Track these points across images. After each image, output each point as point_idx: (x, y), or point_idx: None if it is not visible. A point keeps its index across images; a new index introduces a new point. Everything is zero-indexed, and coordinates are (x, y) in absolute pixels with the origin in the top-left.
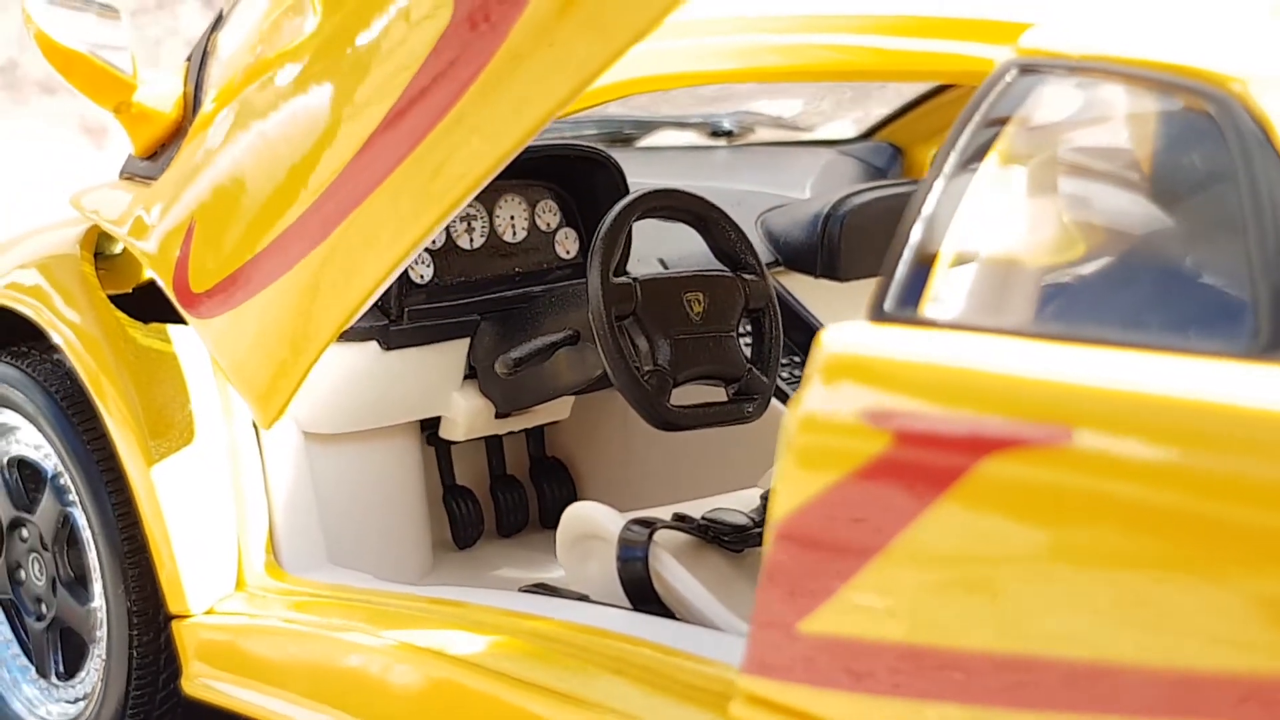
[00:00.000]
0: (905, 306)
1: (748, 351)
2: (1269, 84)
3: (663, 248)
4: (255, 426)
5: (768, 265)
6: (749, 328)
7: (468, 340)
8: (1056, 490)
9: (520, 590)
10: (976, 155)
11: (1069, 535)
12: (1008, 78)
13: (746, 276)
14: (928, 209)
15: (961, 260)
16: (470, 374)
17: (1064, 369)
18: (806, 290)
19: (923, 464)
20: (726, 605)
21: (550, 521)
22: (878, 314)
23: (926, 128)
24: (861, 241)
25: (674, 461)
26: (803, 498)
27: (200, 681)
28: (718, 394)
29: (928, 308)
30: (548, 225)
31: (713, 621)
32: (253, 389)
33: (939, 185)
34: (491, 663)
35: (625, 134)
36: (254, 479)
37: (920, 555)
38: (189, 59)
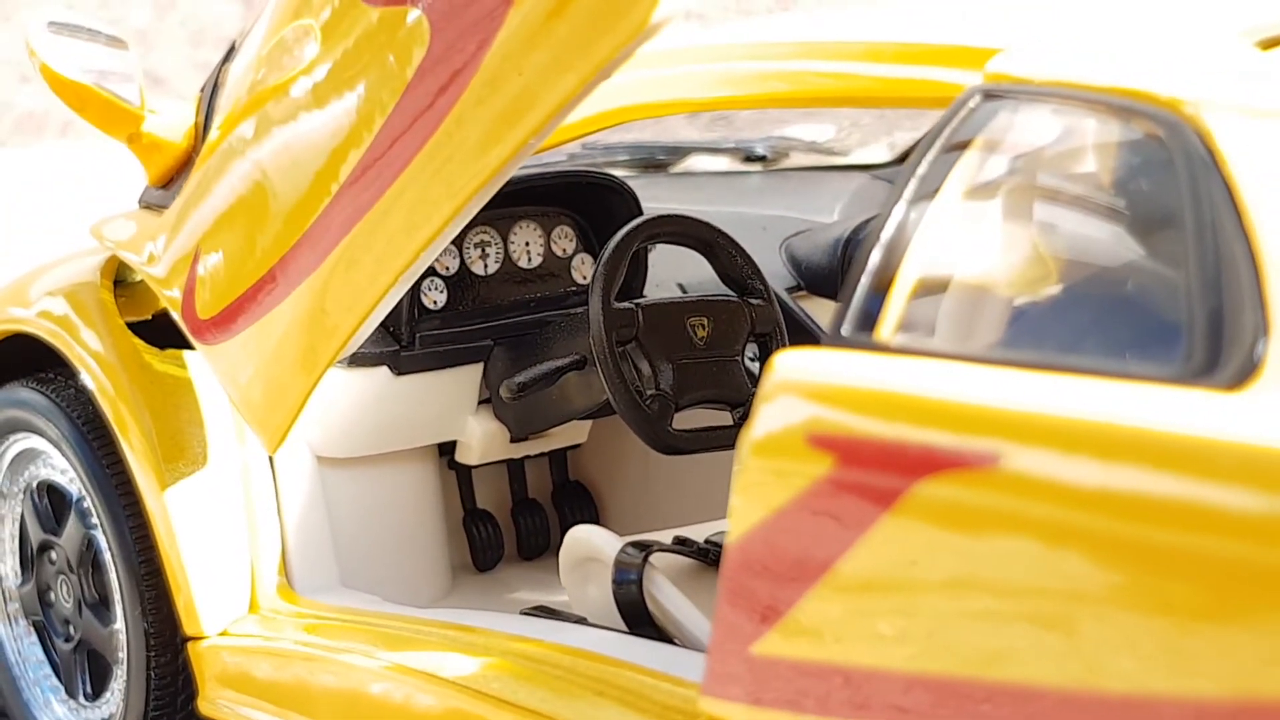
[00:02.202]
0: (861, 331)
1: (754, 375)
2: (1219, 107)
3: (682, 273)
4: None
5: (791, 289)
6: (756, 353)
7: (481, 365)
8: (988, 511)
9: (521, 613)
10: (937, 181)
11: (1003, 556)
12: (971, 103)
13: (753, 301)
14: (887, 234)
15: (918, 285)
16: (486, 399)
17: (1000, 393)
18: (826, 314)
19: (862, 486)
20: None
21: None
22: (834, 338)
23: None
24: None
25: (696, 485)
26: (754, 521)
27: (216, 703)
28: (724, 418)
29: (883, 333)
30: (564, 251)
31: (704, 643)
32: (256, 414)
33: (899, 210)
34: (481, 684)
35: (658, 160)
36: (267, 502)
37: (862, 577)
38: (202, 90)
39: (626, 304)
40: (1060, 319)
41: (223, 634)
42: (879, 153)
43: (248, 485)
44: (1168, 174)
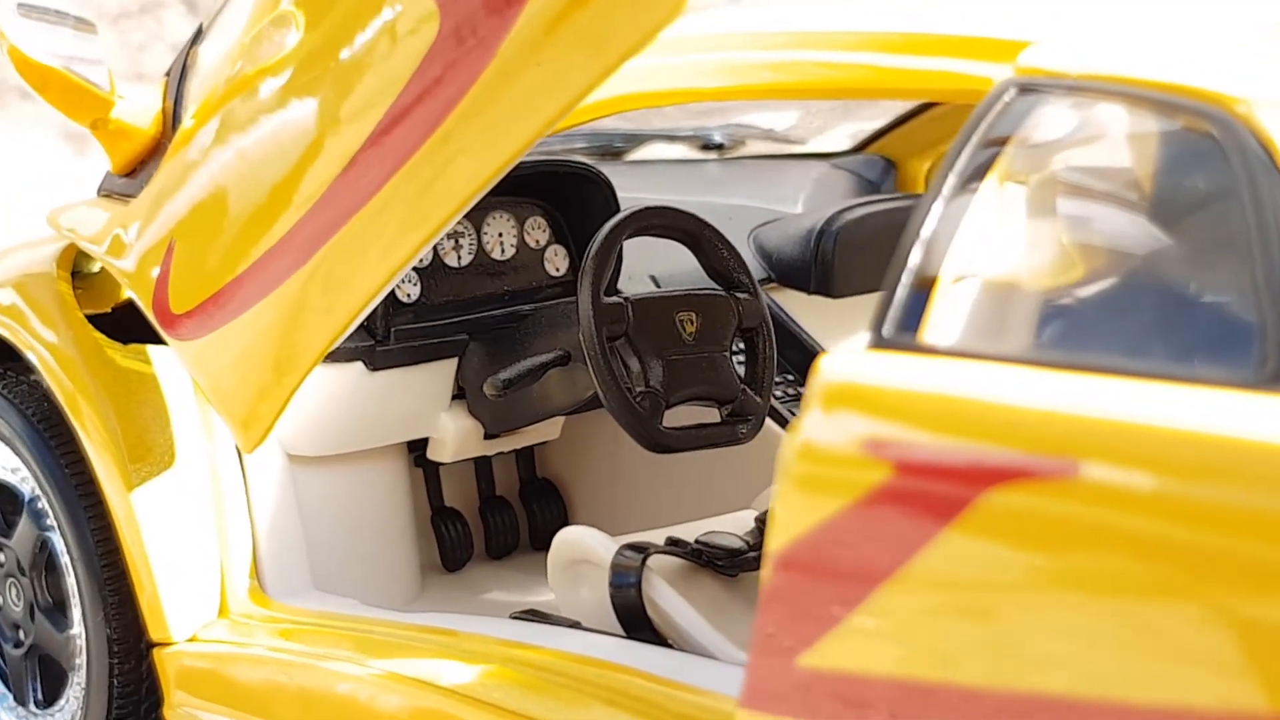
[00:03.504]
0: (904, 332)
1: (741, 371)
2: (1273, 106)
3: (654, 265)
4: (238, 449)
5: (760, 281)
6: (742, 347)
7: (456, 360)
8: (1062, 523)
9: (511, 617)
10: (976, 176)
11: (1074, 569)
12: (1006, 97)
13: (740, 295)
14: (926, 231)
15: (961, 285)
16: (459, 394)
17: (1068, 399)
18: (799, 306)
19: (925, 495)
20: (721, 631)
21: (541, 543)
22: (876, 340)
23: (920, 141)
24: (855, 257)
25: (666, 482)
26: (802, 528)
27: (183, 710)
28: (710, 415)
29: (927, 333)
30: (537, 242)
31: (707, 648)
32: (235, 413)
33: (938, 207)
34: (482, 693)
35: (615, 148)
36: (237, 503)
37: (922, 588)
38: (168, 74)
39: (616, 298)
40: (1119, 322)
41: (191, 639)
42: (838, 141)
43: (217, 485)
44: (1223, 173)
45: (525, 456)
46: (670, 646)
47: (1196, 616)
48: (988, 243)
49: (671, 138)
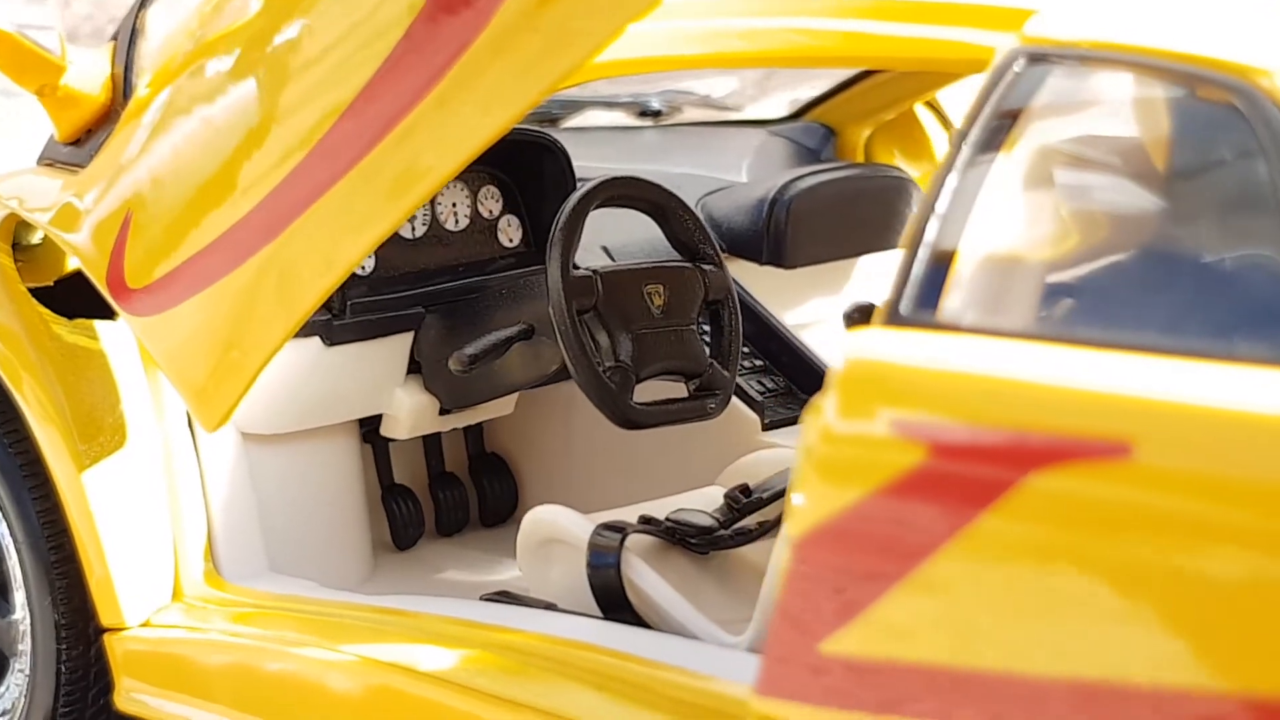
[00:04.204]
0: (923, 309)
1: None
2: None
3: (605, 235)
4: (191, 428)
5: None
6: (705, 320)
7: (411, 334)
8: (1110, 507)
9: (482, 599)
10: (990, 148)
11: (1122, 556)
12: (1016, 67)
13: (705, 267)
14: (941, 205)
15: (980, 259)
16: (414, 369)
17: (1113, 378)
18: (748, 276)
19: (963, 478)
20: (696, 610)
21: (491, 520)
22: (894, 317)
23: (859, 108)
24: (808, 227)
25: (618, 456)
26: (827, 511)
27: (134, 697)
28: (674, 389)
29: (946, 310)
30: (490, 212)
31: (689, 629)
32: (196, 391)
33: (952, 180)
34: (464, 678)
35: (552, 114)
36: (190, 483)
37: (957, 574)
38: (115, 38)
39: (585, 271)
40: (1144, 298)
41: (145, 624)
42: (775, 108)
43: (169, 464)
44: (1246, 143)
45: (474, 431)
46: (648, 627)
47: (1254, 606)
48: (1005, 217)
49: (609, 104)
